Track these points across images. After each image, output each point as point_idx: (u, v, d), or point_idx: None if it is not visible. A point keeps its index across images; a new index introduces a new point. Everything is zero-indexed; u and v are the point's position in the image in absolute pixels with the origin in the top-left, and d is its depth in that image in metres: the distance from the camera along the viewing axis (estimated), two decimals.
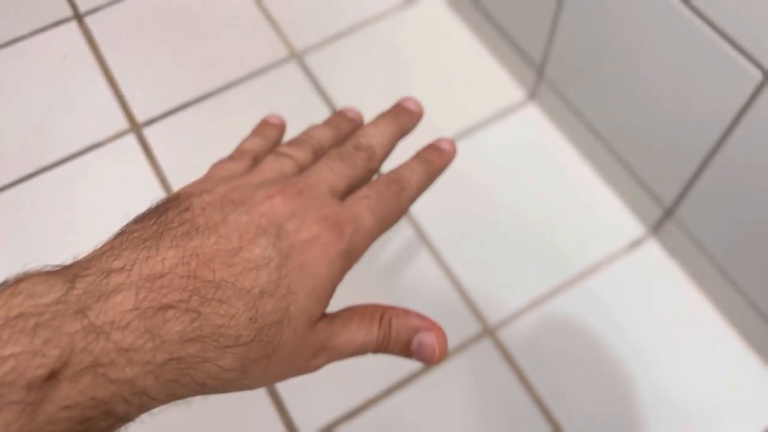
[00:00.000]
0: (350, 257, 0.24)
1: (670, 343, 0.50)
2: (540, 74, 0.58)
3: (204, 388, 0.21)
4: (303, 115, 0.63)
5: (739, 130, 0.40)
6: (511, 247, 0.54)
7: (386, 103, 0.62)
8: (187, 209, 0.23)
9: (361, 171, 0.27)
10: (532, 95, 0.61)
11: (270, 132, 0.32)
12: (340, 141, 0.30)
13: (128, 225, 0.23)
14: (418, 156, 0.29)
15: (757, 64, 0.37)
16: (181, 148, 0.59)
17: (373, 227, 0.25)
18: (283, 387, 0.48)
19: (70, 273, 0.20)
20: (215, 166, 0.29)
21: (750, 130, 0.39)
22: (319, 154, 0.28)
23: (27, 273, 0.20)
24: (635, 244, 0.54)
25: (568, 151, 0.58)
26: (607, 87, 0.50)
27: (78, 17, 0.68)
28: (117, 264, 0.20)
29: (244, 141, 0.31)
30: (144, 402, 0.20)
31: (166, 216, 0.22)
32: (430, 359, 0.25)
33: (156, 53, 0.65)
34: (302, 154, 0.28)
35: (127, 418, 0.20)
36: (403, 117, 0.30)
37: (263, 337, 0.21)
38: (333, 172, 0.26)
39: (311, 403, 0.48)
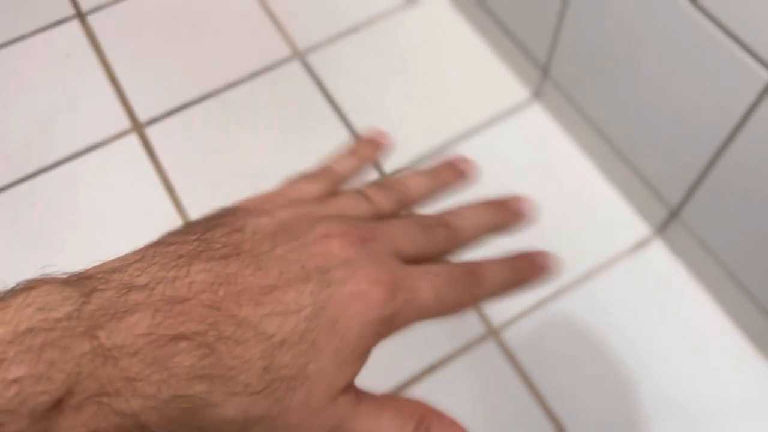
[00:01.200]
0: (391, 326, 0.21)
1: (674, 343, 0.49)
2: (545, 73, 0.57)
3: None
4: (305, 115, 0.63)
5: (745, 131, 0.40)
6: (515, 248, 0.53)
7: (390, 102, 0.62)
8: (238, 230, 0.21)
9: (436, 248, 0.24)
10: (537, 95, 0.61)
11: (367, 152, 0.29)
12: (437, 195, 0.28)
13: (169, 235, 0.21)
14: (512, 260, 0.26)
15: (765, 65, 0.36)
16: (183, 147, 0.59)
17: (429, 306, 0.22)
18: None
19: (88, 285, 0.18)
20: (290, 183, 0.26)
21: (757, 130, 0.39)
22: (401, 206, 0.26)
23: (43, 279, 0.18)
24: (640, 245, 0.53)
25: (572, 151, 0.58)
26: (612, 86, 0.50)
27: (80, 16, 0.67)
28: (140, 280, 0.19)
29: (336, 159, 0.28)
30: None
31: (212, 233, 0.21)
32: None
33: (158, 52, 0.65)
34: (386, 202, 0.25)
35: None
36: (505, 215, 0.28)
37: (272, 392, 0.19)
38: (406, 237, 0.23)
39: None
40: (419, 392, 0.48)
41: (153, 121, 0.61)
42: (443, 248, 0.25)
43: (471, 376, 0.48)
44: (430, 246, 0.24)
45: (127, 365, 0.17)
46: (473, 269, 0.24)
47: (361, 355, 0.21)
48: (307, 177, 0.27)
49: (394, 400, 0.22)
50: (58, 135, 0.60)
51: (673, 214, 0.50)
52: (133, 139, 0.60)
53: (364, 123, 0.60)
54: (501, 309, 0.51)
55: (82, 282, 0.19)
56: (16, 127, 0.61)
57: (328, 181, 0.26)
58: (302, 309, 0.19)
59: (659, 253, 0.53)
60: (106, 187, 0.57)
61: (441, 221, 0.25)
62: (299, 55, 0.64)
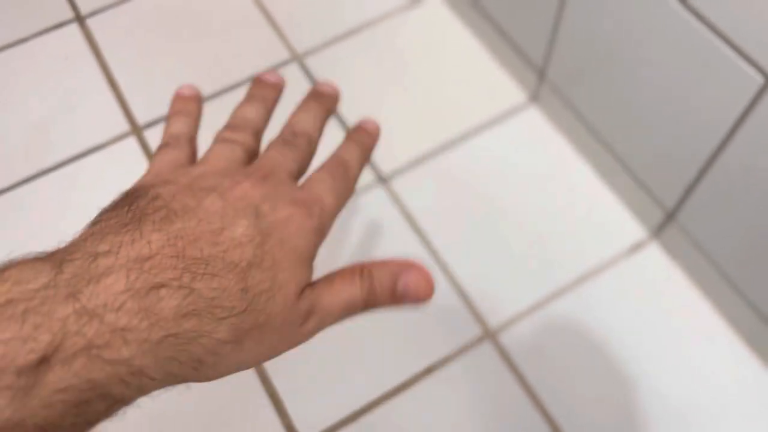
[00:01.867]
0: (321, 233, 0.26)
1: (671, 346, 0.50)
2: (541, 77, 0.58)
3: (201, 365, 0.21)
4: None
5: (740, 134, 0.40)
6: (512, 250, 0.54)
7: (388, 105, 0.62)
8: (156, 197, 0.23)
9: (306, 154, 0.29)
10: (534, 98, 0.61)
11: (191, 106, 0.33)
12: (270, 112, 0.32)
13: (101, 214, 0.23)
14: (351, 139, 0.31)
15: (759, 69, 0.37)
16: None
17: (335, 206, 0.27)
18: (284, 389, 0.48)
19: (56, 258, 0.20)
20: (157, 157, 0.29)
21: (752, 133, 0.39)
22: (259, 135, 0.30)
23: (11, 261, 0.19)
24: (637, 248, 0.54)
25: (569, 154, 0.58)
26: (608, 90, 0.50)
27: (79, 19, 0.68)
28: (102, 248, 0.20)
29: (170, 123, 0.31)
30: (142, 383, 0.19)
31: (137, 204, 0.22)
32: (418, 297, 0.26)
33: (157, 56, 0.65)
34: (246, 138, 0.29)
35: (125, 401, 0.19)
36: (325, 100, 0.32)
37: (255, 306, 0.22)
38: (285, 158, 0.28)
39: (312, 408, 0.48)
40: (418, 393, 0.48)
41: (151, 124, 0.61)
42: (309, 151, 0.29)
43: (468, 379, 0.49)
44: (301, 155, 0.28)
45: (114, 319, 0.19)
46: (338, 161, 0.29)
47: (311, 258, 0.25)
48: (165, 146, 0.30)
49: (335, 271, 0.26)
50: (56, 137, 0.60)
51: (669, 216, 0.50)
52: (131, 142, 0.60)
53: None
54: (498, 311, 0.51)
55: (49, 257, 0.20)
56: (15, 130, 0.61)
57: (184, 143, 0.30)
58: (253, 238, 0.23)
59: (655, 256, 0.53)
60: (104, 190, 0.57)
61: (292, 132, 0.29)
62: (298, 58, 0.64)
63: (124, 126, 0.61)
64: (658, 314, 0.51)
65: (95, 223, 0.22)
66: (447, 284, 0.52)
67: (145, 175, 0.27)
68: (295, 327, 0.24)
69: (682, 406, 0.47)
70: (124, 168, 0.59)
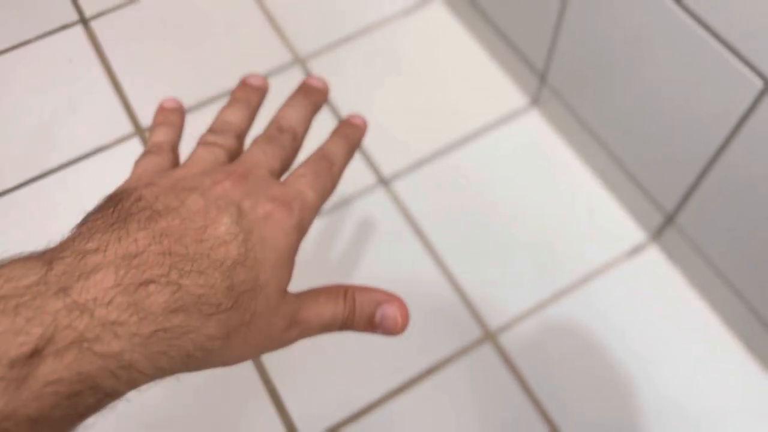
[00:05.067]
0: (302, 229, 0.26)
1: (670, 348, 0.50)
2: (542, 81, 0.58)
3: (190, 359, 0.21)
4: None
5: (740, 138, 0.40)
6: (513, 252, 0.54)
7: (390, 108, 0.62)
8: (139, 199, 0.23)
9: (290, 150, 0.29)
10: (535, 101, 0.61)
11: (173, 117, 0.33)
12: (254, 115, 0.32)
13: (87, 216, 0.23)
14: (337, 133, 0.31)
15: (758, 73, 0.37)
16: (184, 152, 0.59)
17: (316, 201, 0.27)
18: (285, 390, 0.49)
19: (46, 257, 0.20)
20: (140, 163, 0.29)
21: (751, 137, 0.40)
22: (241, 137, 0.30)
23: (3, 260, 0.20)
24: (636, 250, 0.54)
25: (569, 157, 0.58)
26: (609, 94, 0.50)
27: (84, 21, 0.68)
28: (91, 246, 0.21)
29: (153, 134, 0.32)
30: (132, 376, 0.20)
31: (122, 205, 0.23)
32: (392, 330, 0.27)
33: (160, 58, 0.66)
34: (228, 141, 0.29)
35: (115, 394, 0.20)
36: (313, 95, 0.32)
37: (241, 304, 0.22)
38: (267, 156, 0.28)
39: (313, 408, 0.48)
40: (418, 394, 0.48)
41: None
42: (293, 147, 0.30)
43: (468, 380, 0.49)
44: (285, 152, 0.29)
45: (104, 313, 0.19)
46: (322, 155, 0.29)
47: (292, 258, 0.25)
48: (147, 153, 0.30)
49: (321, 287, 0.27)
50: (60, 139, 0.61)
51: (669, 219, 0.51)
52: (135, 143, 0.60)
53: None
54: (498, 313, 0.51)
55: (39, 256, 0.20)
56: (20, 131, 0.61)
57: (167, 149, 0.31)
58: (236, 237, 0.23)
59: (655, 259, 0.53)
60: (107, 191, 0.58)
61: (276, 128, 0.30)
62: (300, 62, 0.65)
63: (127, 127, 0.61)
64: (657, 317, 0.51)
65: (82, 224, 0.23)
66: (447, 286, 0.52)
67: (127, 180, 0.28)
68: (278, 330, 0.24)
69: (681, 409, 0.48)
70: (128, 169, 0.59)
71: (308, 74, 0.33)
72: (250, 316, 0.23)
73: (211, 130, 0.30)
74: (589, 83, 0.52)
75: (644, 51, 0.44)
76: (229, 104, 0.32)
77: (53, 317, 0.18)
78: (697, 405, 0.48)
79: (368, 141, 0.60)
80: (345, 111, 0.62)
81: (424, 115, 0.61)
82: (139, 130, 0.61)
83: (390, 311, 0.27)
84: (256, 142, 0.29)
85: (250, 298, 0.23)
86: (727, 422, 0.47)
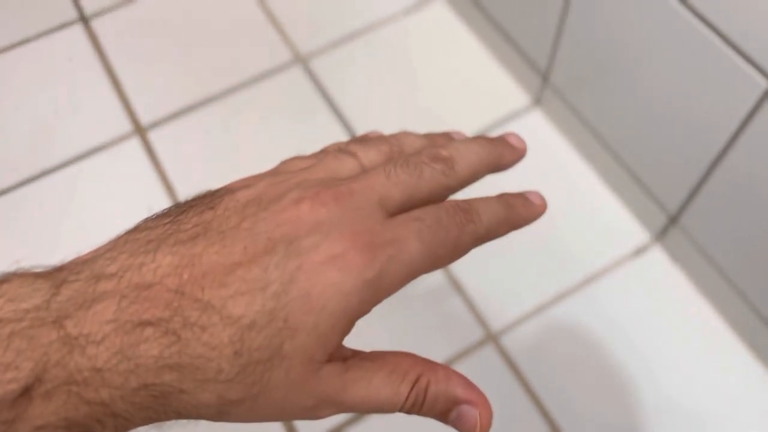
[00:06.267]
0: (378, 290, 0.19)
1: (673, 350, 0.50)
2: (545, 80, 0.58)
3: (181, 416, 0.19)
4: (308, 120, 0.63)
5: (744, 138, 0.40)
6: (515, 253, 0.54)
7: (392, 108, 0.62)
8: (211, 208, 0.20)
9: (429, 185, 0.22)
10: (537, 101, 0.61)
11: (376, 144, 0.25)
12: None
13: (145, 220, 0.20)
14: (501, 196, 0.24)
15: (763, 72, 0.37)
16: (185, 151, 0.59)
17: (417, 258, 0.20)
18: None
19: (59, 277, 0.18)
20: (285, 161, 0.24)
21: (755, 137, 0.39)
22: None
23: (15, 273, 0.18)
24: (640, 251, 0.54)
25: (572, 157, 0.58)
26: (612, 93, 0.50)
27: (84, 20, 0.68)
28: (110, 269, 0.18)
29: (343, 143, 0.25)
30: (119, 424, 0.18)
31: (185, 215, 0.20)
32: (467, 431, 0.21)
33: (161, 57, 0.65)
34: (372, 155, 0.22)
35: None
36: (502, 147, 0.25)
37: (248, 376, 0.18)
38: (389, 180, 0.21)
39: None
40: None
41: (155, 124, 0.61)
42: (438, 183, 0.22)
43: None
44: (419, 183, 0.21)
45: (94, 353, 0.17)
46: (462, 205, 0.22)
47: (345, 328, 0.19)
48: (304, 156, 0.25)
49: (385, 359, 0.21)
50: (60, 138, 0.61)
51: (673, 220, 0.50)
52: (135, 143, 0.60)
53: (365, 128, 0.60)
54: (500, 314, 0.51)
55: (53, 275, 0.18)
56: (19, 130, 0.61)
57: (323, 154, 0.24)
58: (268, 285, 0.18)
59: (658, 260, 0.53)
60: (107, 191, 0.58)
61: (429, 154, 0.22)
62: (301, 61, 0.64)
63: (127, 127, 0.61)
64: (661, 318, 0.51)
65: (129, 231, 0.20)
66: (449, 287, 0.52)
67: (257, 174, 0.23)
68: (301, 408, 0.19)
69: (684, 410, 0.47)
70: (127, 168, 0.59)
71: (509, 132, 0.26)
72: (259, 390, 0.18)
73: (364, 138, 0.23)
74: (592, 83, 0.52)
75: (648, 50, 0.44)
76: (416, 133, 0.24)
77: (45, 350, 0.17)
78: (699, 405, 0.47)
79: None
80: (346, 110, 0.61)
81: (426, 114, 0.61)
82: (139, 130, 0.61)
83: (470, 415, 0.22)
84: (390, 159, 0.22)
85: (263, 371, 0.18)
86: (730, 422, 0.47)
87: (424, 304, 0.51)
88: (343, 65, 0.64)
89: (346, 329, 0.19)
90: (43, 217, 0.56)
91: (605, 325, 0.50)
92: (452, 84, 0.63)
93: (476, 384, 0.22)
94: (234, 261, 0.18)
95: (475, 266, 0.53)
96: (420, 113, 0.61)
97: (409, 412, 0.21)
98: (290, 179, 0.21)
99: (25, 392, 0.16)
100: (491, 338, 0.50)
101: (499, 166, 0.25)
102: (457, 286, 0.52)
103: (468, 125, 0.60)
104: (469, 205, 0.22)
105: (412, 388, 0.20)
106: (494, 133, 0.60)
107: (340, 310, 0.18)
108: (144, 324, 0.17)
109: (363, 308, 0.19)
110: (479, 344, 0.50)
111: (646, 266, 0.53)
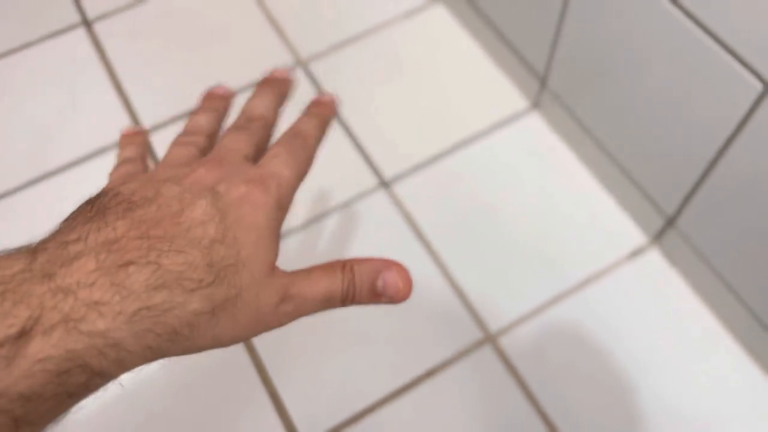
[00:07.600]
0: (282, 207, 0.26)
1: (670, 351, 0.50)
2: (543, 84, 0.58)
3: (178, 337, 0.22)
4: None
5: (740, 141, 0.41)
6: (513, 255, 0.54)
7: (391, 110, 0.62)
8: (116, 194, 0.24)
9: (262, 136, 0.30)
10: (535, 105, 0.61)
11: (138, 139, 0.33)
12: (222, 119, 0.33)
13: (67, 217, 0.24)
14: (307, 112, 0.32)
15: (758, 76, 0.37)
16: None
17: (292, 178, 0.27)
18: (285, 392, 0.49)
19: (30, 249, 0.21)
20: (114, 172, 0.31)
21: (751, 140, 0.40)
22: (212, 137, 0.31)
23: None
24: (637, 253, 0.54)
25: (570, 160, 0.59)
26: (609, 97, 0.50)
27: (86, 23, 0.68)
28: (72, 237, 0.21)
29: (121, 151, 0.33)
30: (120, 355, 0.20)
31: (99, 201, 0.23)
32: (395, 296, 0.27)
33: (163, 60, 0.66)
34: (200, 139, 0.30)
35: (105, 374, 0.20)
36: (278, 85, 0.33)
37: (223, 278, 0.22)
38: (238, 143, 0.28)
39: (313, 409, 0.48)
40: (418, 396, 0.48)
41: (157, 127, 0.61)
42: (264, 133, 0.30)
43: (468, 382, 0.49)
44: (255, 138, 0.29)
45: (88, 294, 0.20)
46: (293, 132, 0.29)
47: (275, 235, 0.25)
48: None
49: (316, 265, 0.27)
50: (62, 140, 0.61)
51: (669, 222, 0.51)
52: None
53: (365, 130, 0.61)
54: (498, 315, 0.51)
55: (23, 248, 0.21)
56: (22, 132, 0.62)
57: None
58: (212, 217, 0.23)
59: (655, 262, 0.53)
60: None
61: (246, 118, 0.30)
62: (302, 64, 0.65)
63: None
64: (657, 320, 0.51)
65: (62, 222, 0.23)
66: (448, 288, 0.53)
67: (106, 185, 0.29)
68: (269, 306, 0.24)
69: (681, 412, 0.48)
70: None
71: (273, 68, 0.34)
72: (236, 291, 0.23)
73: (183, 133, 0.31)
74: (589, 86, 0.52)
75: (644, 54, 0.44)
76: (197, 111, 0.33)
77: (39, 300, 0.19)
78: (696, 407, 0.48)
79: (369, 143, 0.60)
80: (347, 113, 0.62)
81: (425, 117, 0.62)
82: None
83: (390, 278, 0.27)
84: (226, 132, 0.30)
85: (233, 273, 0.23)
86: (728, 425, 0.47)
87: (423, 306, 0.51)
88: (343, 68, 0.65)
89: (277, 239, 0.26)
90: (45, 219, 0.56)
91: (602, 326, 0.51)
92: (451, 87, 0.63)
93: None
94: (176, 210, 0.23)
95: (473, 268, 0.53)
96: (418, 115, 0.62)
97: (347, 297, 0.26)
98: (163, 166, 0.27)
99: (24, 333, 0.18)
100: (489, 339, 0.50)
101: (285, 100, 0.33)
102: (455, 287, 0.53)
103: (467, 128, 0.60)
104: (297, 129, 0.30)
105: (343, 272, 0.26)
106: (494, 135, 0.60)
107: (266, 223, 0.25)
108: (126, 264, 0.21)
109: (279, 222, 0.26)
110: (477, 345, 0.50)
111: (643, 268, 0.53)
